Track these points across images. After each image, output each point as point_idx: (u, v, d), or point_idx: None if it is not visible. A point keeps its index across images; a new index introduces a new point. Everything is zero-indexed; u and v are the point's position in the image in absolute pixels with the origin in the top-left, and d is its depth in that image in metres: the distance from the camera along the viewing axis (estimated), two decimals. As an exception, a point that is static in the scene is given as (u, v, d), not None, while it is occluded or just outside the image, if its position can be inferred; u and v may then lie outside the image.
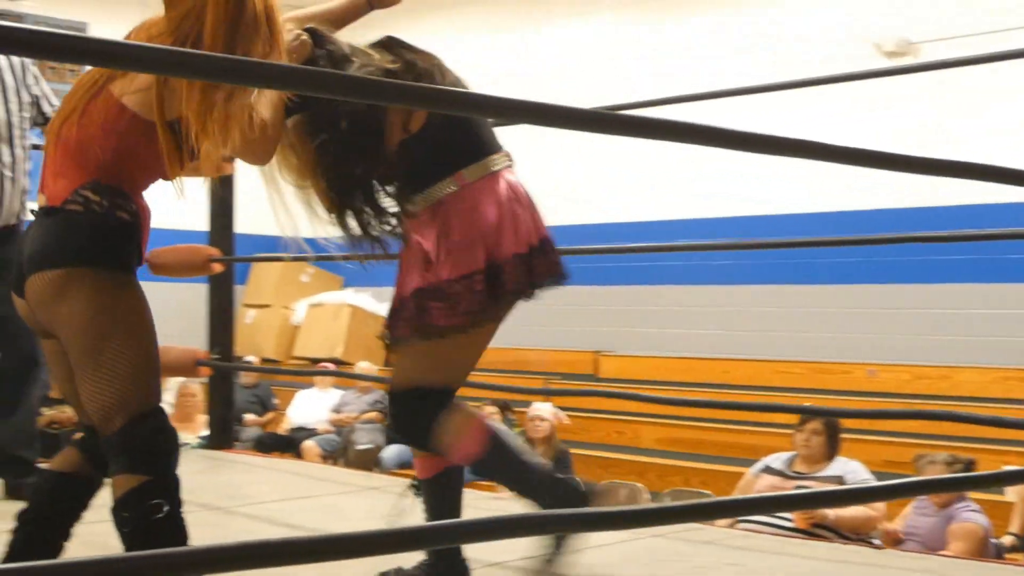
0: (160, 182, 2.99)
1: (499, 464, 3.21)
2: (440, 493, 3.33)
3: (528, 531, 2.39)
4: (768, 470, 6.18)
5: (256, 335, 11.95)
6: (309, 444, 10.34)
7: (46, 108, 4.82)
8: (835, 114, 9.07)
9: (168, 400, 10.27)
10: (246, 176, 6.15)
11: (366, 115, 3.08)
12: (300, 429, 10.87)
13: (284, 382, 12.13)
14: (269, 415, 11.37)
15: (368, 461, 9.68)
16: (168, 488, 2.82)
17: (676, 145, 9.47)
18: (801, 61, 9.08)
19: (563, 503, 3.06)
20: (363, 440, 10.35)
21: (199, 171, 3.17)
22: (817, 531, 5.43)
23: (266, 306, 12.40)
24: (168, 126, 2.83)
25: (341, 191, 3.21)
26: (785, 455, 6.21)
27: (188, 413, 9.40)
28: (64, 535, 3.06)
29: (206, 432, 7.60)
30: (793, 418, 6.37)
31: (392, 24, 11.80)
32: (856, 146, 2.17)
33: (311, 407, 11.17)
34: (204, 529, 4.09)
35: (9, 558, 3.01)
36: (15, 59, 4.73)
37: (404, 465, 9.76)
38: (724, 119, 2.20)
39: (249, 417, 10.84)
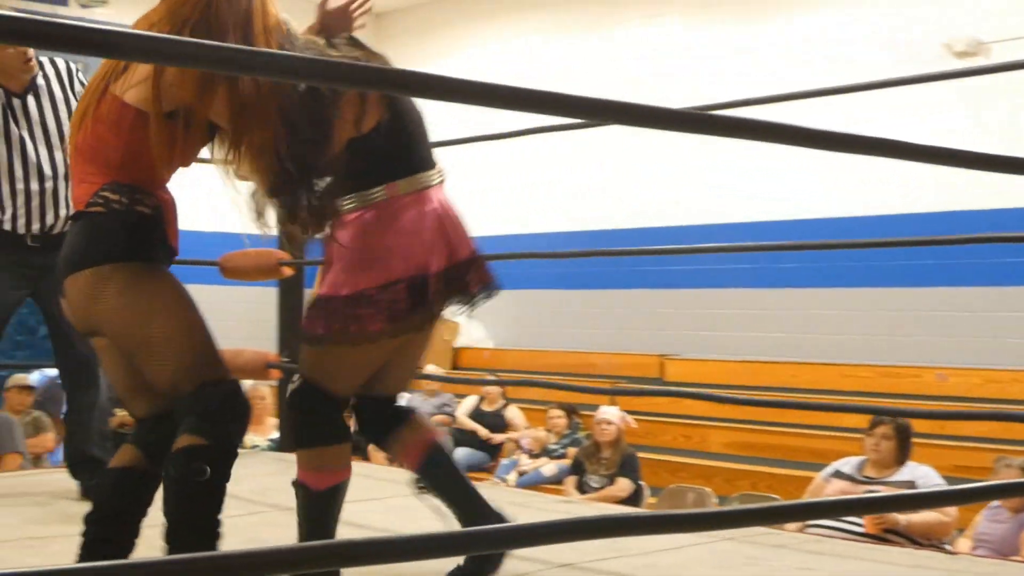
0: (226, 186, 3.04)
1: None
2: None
3: (601, 534, 2.38)
4: (838, 475, 6.11)
5: (324, 339, 11.96)
6: (374, 447, 10.34)
7: None
8: (904, 115, 8.96)
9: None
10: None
11: (317, 106, 3.07)
12: (367, 432, 10.87)
13: (351, 385, 12.12)
14: (337, 418, 11.39)
15: (435, 464, 9.65)
16: (219, 456, 2.88)
17: (741, 148, 9.48)
18: (869, 63, 8.99)
19: None
20: (431, 443, 10.34)
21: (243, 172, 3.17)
22: (888, 536, 5.36)
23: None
24: (167, 116, 2.90)
25: (281, 179, 3.13)
26: (855, 460, 6.14)
27: (258, 416, 9.42)
28: (132, 532, 3.09)
29: (275, 434, 7.63)
30: (862, 422, 6.30)
31: (469, 28, 11.86)
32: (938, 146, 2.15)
33: (378, 410, 11.17)
34: (276, 529, 4.12)
35: (80, 559, 3.02)
36: (63, 68, 4.81)
37: (471, 468, 9.75)
38: (793, 121, 2.16)
39: (318, 420, 10.82)
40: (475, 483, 3.97)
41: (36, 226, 4.65)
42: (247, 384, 9.53)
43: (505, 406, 10.46)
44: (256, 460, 6.11)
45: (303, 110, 3.04)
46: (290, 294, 6.11)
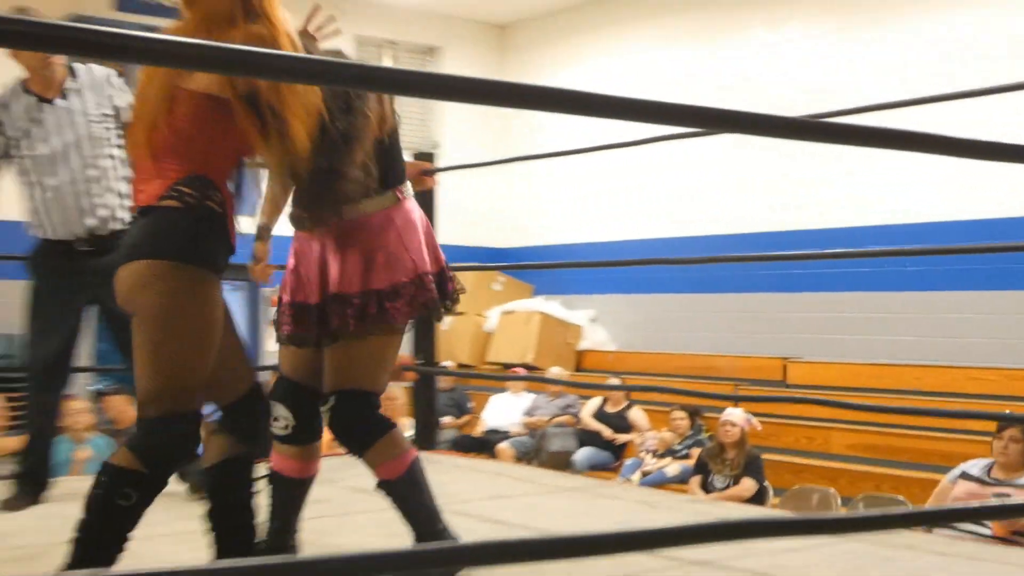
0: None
1: (412, 492, 3.37)
2: (410, 490, 3.40)
3: (739, 535, 2.43)
4: (965, 476, 6.07)
5: (451, 341, 12.10)
6: (503, 446, 10.46)
7: (125, 118, 4.71)
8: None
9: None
10: (444, 193, 6.32)
11: (348, 98, 3.24)
12: (494, 432, 11.00)
13: (478, 386, 12.28)
14: (465, 418, 11.54)
15: (561, 463, 9.74)
16: (149, 487, 2.95)
17: (863, 153, 9.39)
18: (999, 67, 8.90)
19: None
20: (555, 443, 10.43)
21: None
22: (1016, 539, 5.32)
23: (461, 314, 12.57)
24: (245, 101, 3.00)
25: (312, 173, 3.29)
26: (983, 462, 6.09)
27: (392, 415, 9.59)
28: (248, 514, 3.21)
29: (410, 433, 7.76)
30: (987, 426, 6.24)
31: (592, 37, 11.89)
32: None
33: (504, 410, 11.30)
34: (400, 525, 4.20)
35: (218, 555, 3.15)
36: (100, 75, 4.81)
37: (596, 467, 9.83)
38: (923, 127, 2.20)
39: (446, 420, 10.96)
40: (601, 481, 4.04)
41: (80, 231, 4.64)
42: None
43: (628, 407, 10.50)
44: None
45: (336, 99, 3.19)
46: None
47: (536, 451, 10.39)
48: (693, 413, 9.63)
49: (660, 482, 8.83)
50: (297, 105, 3.05)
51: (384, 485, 3.34)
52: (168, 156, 3.03)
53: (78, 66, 4.77)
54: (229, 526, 3.19)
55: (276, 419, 3.43)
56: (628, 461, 9.89)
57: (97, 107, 4.74)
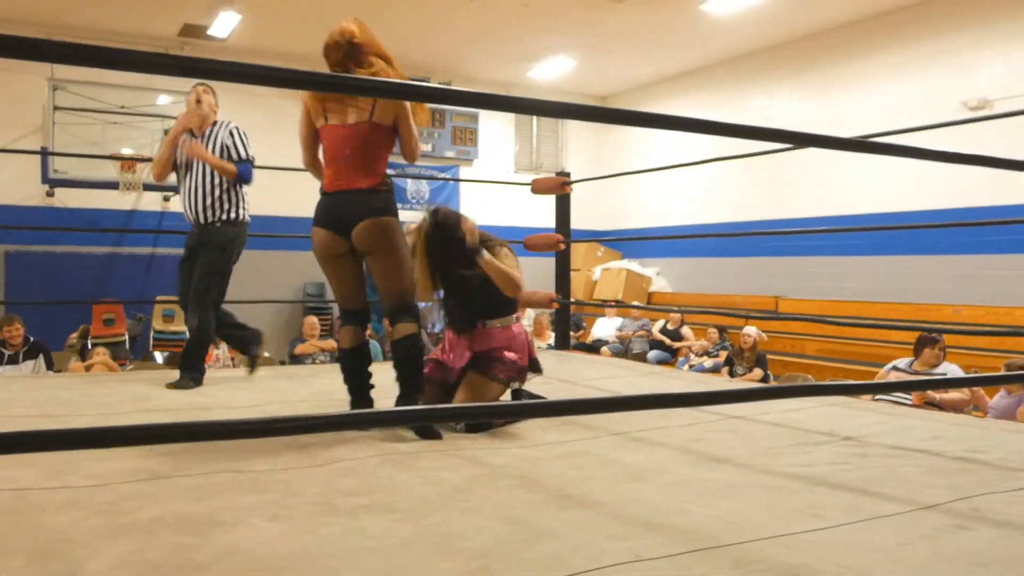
0: None
1: None
2: None
3: (746, 399, 2.50)
4: (895, 368, 6.00)
5: (574, 286, 12.20)
6: (605, 349, 10.57)
7: (234, 155, 4.44)
8: None
9: (526, 323, 10.70)
10: (576, 194, 6.39)
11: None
12: (599, 340, 11.10)
13: (589, 312, 12.38)
14: (581, 332, 11.66)
15: (639, 359, 9.83)
16: (421, 336, 3.28)
17: (834, 163, 9.16)
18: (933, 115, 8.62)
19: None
20: (636, 347, 10.48)
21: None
22: (927, 407, 5.28)
23: (577, 269, 12.68)
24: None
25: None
26: (906, 360, 5.99)
27: (541, 330, 9.77)
28: (369, 376, 3.38)
29: (551, 341, 7.89)
30: (905, 336, 6.07)
31: (673, 101, 11.45)
32: None
33: (605, 327, 11.39)
34: (562, 392, 4.35)
35: (355, 403, 3.34)
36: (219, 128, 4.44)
37: (660, 362, 9.88)
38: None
39: (572, 333, 11.08)
40: (667, 369, 4.03)
41: (203, 219, 4.38)
42: (537, 311, 9.88)
43: (681, 326, 10.51)
44: (544, 355, 6.37)
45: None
46: (562, 260, 6.34)
47: (624, 352, 10.47)
48: (721, 330, 9.62)
49: (701, 371, 8.86)
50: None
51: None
52: (371, 162, 3.24)
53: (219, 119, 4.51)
54: (362, 383, 3.36)
55: None
56: (680, 359, 9.93)
57: (205, 142, 4.44)
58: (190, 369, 4.33)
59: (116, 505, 2.18)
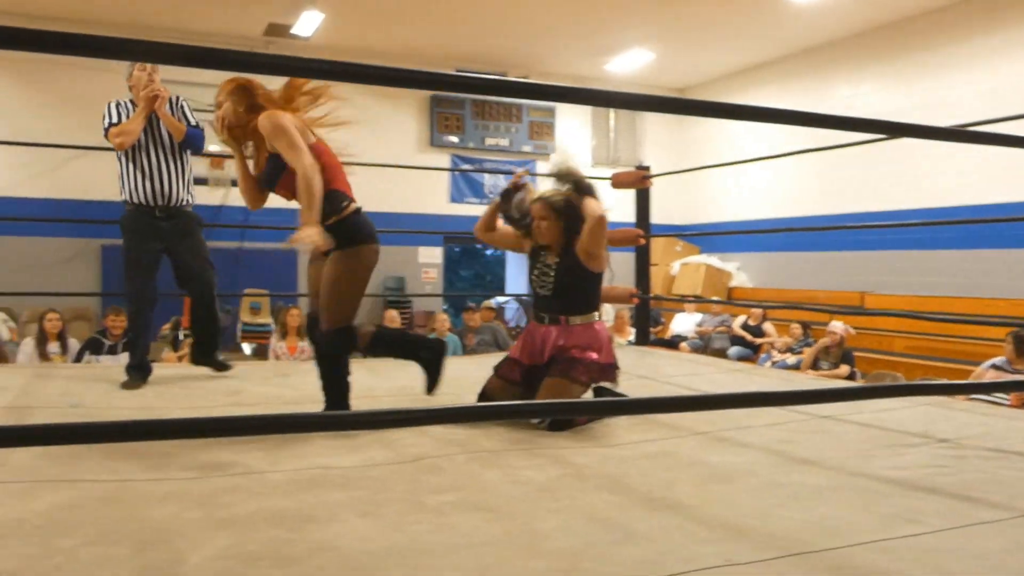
0: None
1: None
2: None
3: (843, 398, 2.42)
4: (994, 366, 5.77)
5: (652, 281, 12.08)
6: (683, 345, 10.44)
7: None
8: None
9: (606, 319, 10.65)
10: (653, 188, 6.32)
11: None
12: (677, 336, 10.98)
13: (668, 308, 12.26)
14: (660, 327, 11.55)
15: (719, 355, 9.67)
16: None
17: (918, 156, 8.88)
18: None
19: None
20: (716, 343, 10.33)
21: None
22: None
23: (655, 264, 12.57)
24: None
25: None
26: (1002, 358, 5.78)
27: (621, 325, 9.71)
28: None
29: (631, 337, 7.84)
30: (998, 333, 5.86)
31: (745, 93, 11.24)
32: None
33: (684, 323, 11.26)
34: (643, 389, 4.30)
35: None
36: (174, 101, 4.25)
37: (741, 358, 9.71)
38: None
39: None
40: (750, 366, 3.94)
41: (174, 200, 4.19)
42: (617, 306, 9.83)
43: (763, 321, 10.32)
44: (625, 351, 6.31)
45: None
46: (642, 255, 6.28)
47: (704, 348, 10.33)
48: (804, 326, 9.41)
49: (783, 368, 8.68)
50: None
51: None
52: None
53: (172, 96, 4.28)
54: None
55: None
56: (762, 355, 9.75)
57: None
58: (215, 357, 4.42)
59: (213, 498, 2.25)
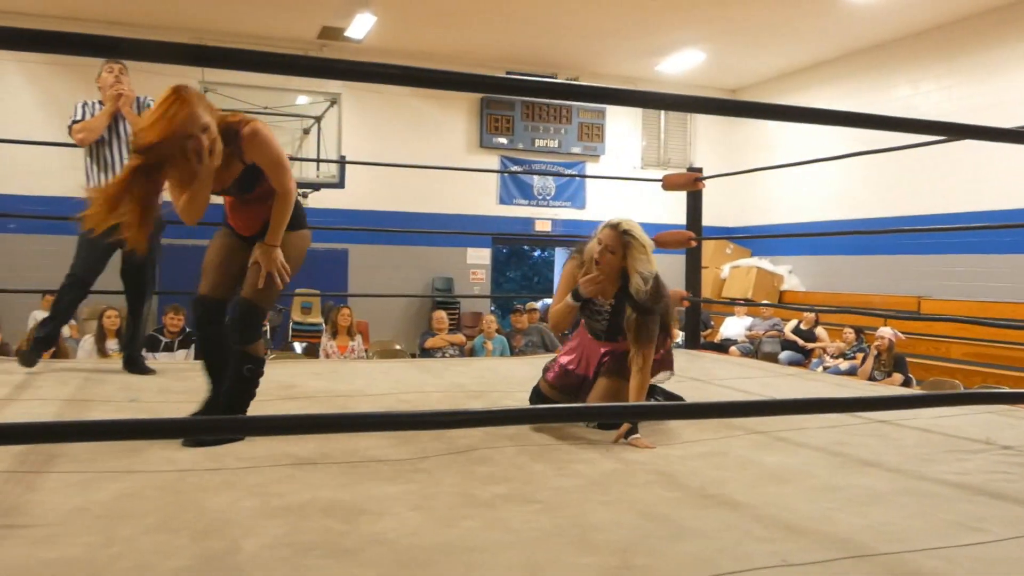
0: None
1: None
2: None
3: (896, 406, 2.36)
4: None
5: (702, 284, 12.01)
6: (733, 348, 10.32)
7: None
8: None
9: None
10: (709, 191, 6.25)
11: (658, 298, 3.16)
12: (727, 339, 10.86)
13: (717, 311, 12.13)
14: (709, 330, 11.44)
15: (770, 359, 9.55)
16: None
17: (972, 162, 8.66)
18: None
19: None
20: (767, 347, 10.20)
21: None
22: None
23: (705, 267, 12.45)
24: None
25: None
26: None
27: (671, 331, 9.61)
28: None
29: (680, 340, 7.74)
30: None
31: (798, 95, 11.15)
32: None
33: (734, 326, 11.13)
34: (695, 391, 4.27)
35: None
36: (142, 102, 4.33)
37: (792, 363, 9.57)
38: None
39: (698, 332, 10.91)
40: (802, 371, 3.82)
41: None
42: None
43: (815, 326, 10.16)
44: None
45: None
46: (693, 257, 6.21)
47: (754, 352, 10.21)
48: (858, 331, 9.24)
49: (836, 373, 8.53)
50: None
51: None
52: None
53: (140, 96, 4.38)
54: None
55: None
56: (814, 360, 9.60)
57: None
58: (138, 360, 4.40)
59: (267, 488, 2.27)
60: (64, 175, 10.72)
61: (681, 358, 5.71)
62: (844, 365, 8.83)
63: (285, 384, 4.11)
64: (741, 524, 2.06)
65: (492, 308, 12.18)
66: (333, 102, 11.18)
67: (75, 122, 4.31)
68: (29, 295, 9.55)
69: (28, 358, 4.21)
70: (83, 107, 4.37)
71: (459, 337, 8.94)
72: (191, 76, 10.07)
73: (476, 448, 2.74)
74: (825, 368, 9.00)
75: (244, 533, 1.93)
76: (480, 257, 12.38)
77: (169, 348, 6.76)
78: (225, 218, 2.94)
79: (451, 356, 8.05)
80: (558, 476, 2.44)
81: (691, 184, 5.91)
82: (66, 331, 9.20)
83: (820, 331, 10.09)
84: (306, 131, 11.29)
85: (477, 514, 2.10)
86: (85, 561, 1.76)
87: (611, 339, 3.29)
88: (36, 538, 1.88)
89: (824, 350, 9.62)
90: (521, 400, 3.69)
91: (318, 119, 11.19)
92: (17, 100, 10.40)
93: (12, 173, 10.12)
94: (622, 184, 12.05)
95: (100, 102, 4.37)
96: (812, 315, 10.09)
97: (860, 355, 8.64)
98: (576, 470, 2.52)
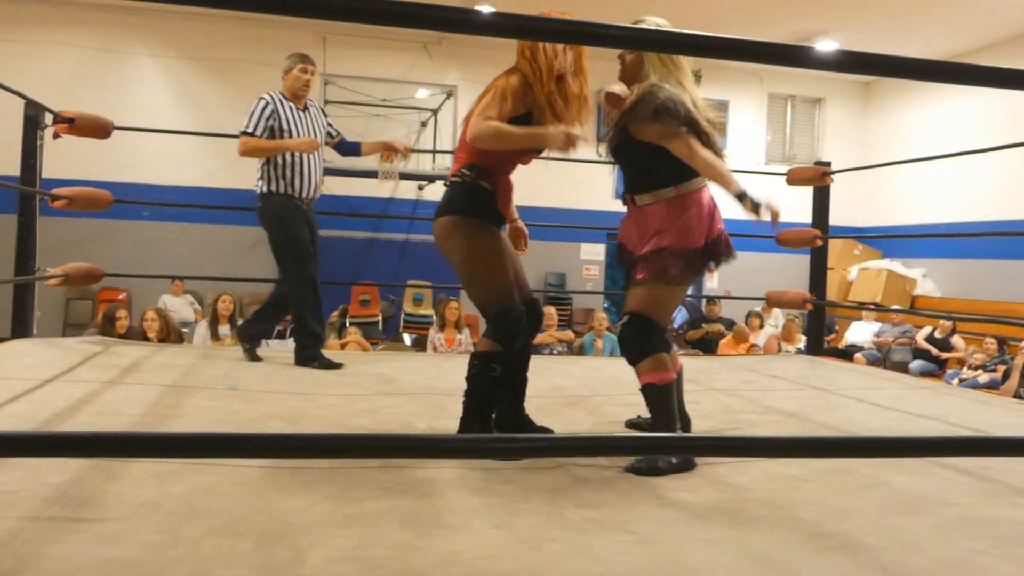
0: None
1: (658, 403, 2.71)
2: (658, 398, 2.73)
3: None
4: None
5: (827, 286, 11.44)
6: (859, 356, 9.73)
7: (332, 132, 4.65)
8: None
9: (773, 324, 10.08)
10: (832, 186, 5.84)
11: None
12: (852, 346, 10.26)
13: (841, 315, 11.51)
14: (833, 335, 10.84)
15: (899, 369, 8.94)
16: (506, 359, 2.73)
17: None
18: None
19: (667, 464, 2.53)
20: (897, 356, 9.57)
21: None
22: None
23: (831, 268, 11.82)
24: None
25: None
26: None
27: (791, 333, 9.13)
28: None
29: (801, 345, 7.34)
30: None
31: (932, 86, 10.28)
32: None
33: (860, 332, 10.52)
34: (815, 401, 3.94)
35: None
36: (319, 104, 4.61)
37: (924, 374, 8.95)
38: None
39: (820, 336, 10.35)
40: (939, 383, 3.44)
41: (308, 195, 4.41)
42: (787, 312, 9.27)
43: (952, 334, 9.46)
44: (791, 360, 5.92)
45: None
46: (818, 257, 5.84)
47: (882, 360, 9.59)
48: (1001, 341, 8.54)
49: (973, 386, 7.90)
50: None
51: (644, 389, 2.74)
52: (462, 147, 2.81)
53: (311, 98, 4.57)
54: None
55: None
56: (950, 371, 8.93)
57: (319, 122, 4.56)
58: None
59: (346, 492, 2.15)
60: (193, 165, 11.20)
61: (801, 364, 5.40)
62: (984, 378, 8.17)
63: (387, 378, 4.06)
64: (859, 573, 1.78)
65: (605, 305, 11.92)
66: (449, 94, 11.17)
67: (249, 133, 4.32)
68: (159, 280, 9.93)
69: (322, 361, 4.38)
70: (265, 107, 4.34)
71: (568, 334, 8.75)
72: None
73: (570, 463, 2.53)
74: (961, 380, 8.36)
75: (311, 543, 1.80)
76: (594, 253, 12.13)
77: (281, 336, 6.83)
78: (484, 213, 2.80)
79: (558, 353, 7.86)
80: (658, 505, 2.20)
81: (818, 178, 5.54)
82: (191, 315, 9.50)
83: (956, 340, 9.39)
84: (423, 123, 11.33)
85: (564, 537, 1.90)
86: (143, 564, 1.67)
87: (628, 194, 2.90)
88: (100, 535, 1.80)
89: (963, 360, 8.93)
90: (626, 406, 3.47)
91: (435, 111, 11.21)
92: (151, 92, 10.80)
93: (145, 162, 10.53)
94: (744, 179, 11.58)
95: (284, 96, 4.42)
96: (948, 323, 9.39)
97: (1001, 368, 7.96)
98: (678, 499, 2.27)
